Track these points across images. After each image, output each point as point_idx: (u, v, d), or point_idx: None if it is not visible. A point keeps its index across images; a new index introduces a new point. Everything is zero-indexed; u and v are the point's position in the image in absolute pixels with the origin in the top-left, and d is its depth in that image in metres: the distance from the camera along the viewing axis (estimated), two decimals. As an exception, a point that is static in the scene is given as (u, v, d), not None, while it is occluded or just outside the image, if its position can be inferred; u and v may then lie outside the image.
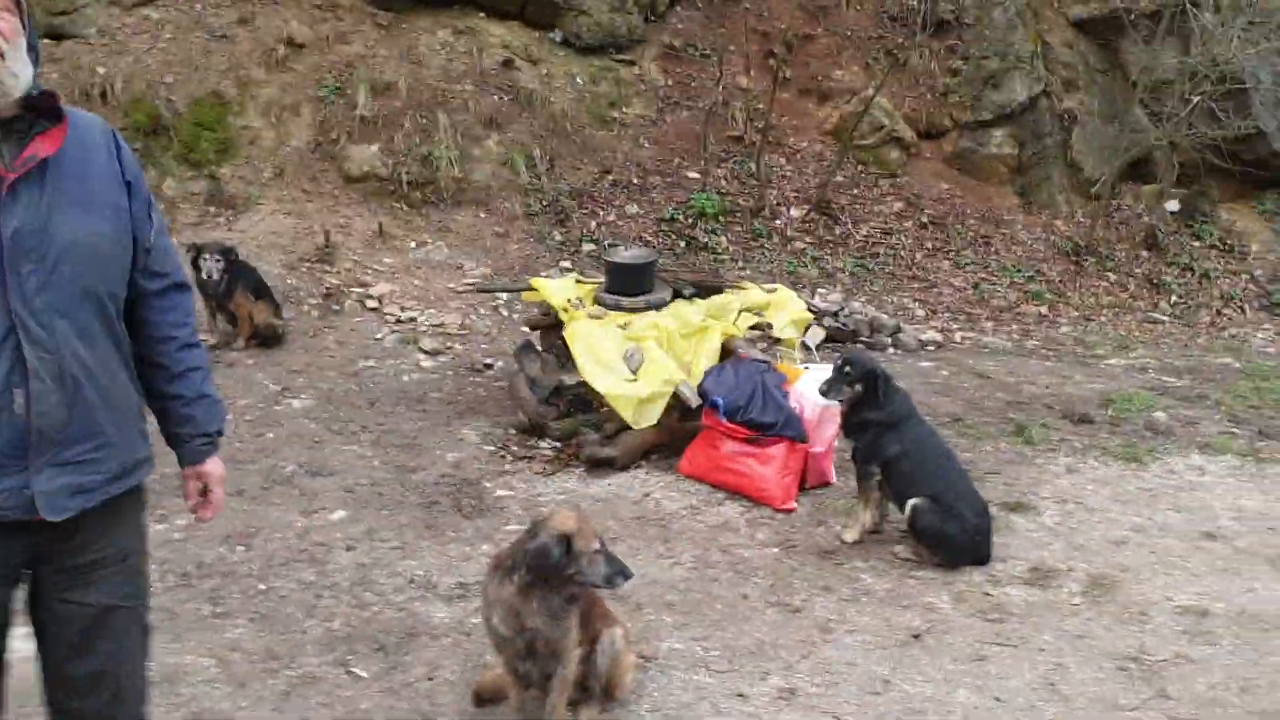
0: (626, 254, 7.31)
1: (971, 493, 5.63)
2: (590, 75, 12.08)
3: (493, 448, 7.09)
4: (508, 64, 11.72)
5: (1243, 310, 11.31)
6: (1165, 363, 9.40)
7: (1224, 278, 11.73)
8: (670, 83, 12.46)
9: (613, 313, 7.07)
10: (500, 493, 6.49)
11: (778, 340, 7.50)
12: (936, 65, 12.46)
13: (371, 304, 9.41)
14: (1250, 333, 10.82)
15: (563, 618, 3.96)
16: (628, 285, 7.19)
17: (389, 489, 6.49)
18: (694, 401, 6.48)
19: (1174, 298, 11.35)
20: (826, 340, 8.91)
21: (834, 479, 6.60)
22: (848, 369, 5.77)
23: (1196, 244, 12.10)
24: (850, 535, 5.85)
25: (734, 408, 6.32)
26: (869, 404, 5.72)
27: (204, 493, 3.16)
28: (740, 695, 4.48)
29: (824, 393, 5.85)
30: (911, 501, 5.56)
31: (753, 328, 7.27)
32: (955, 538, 5.50)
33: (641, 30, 12.46)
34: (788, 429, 6.23)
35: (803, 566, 5.59)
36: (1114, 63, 13.05)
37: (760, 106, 12.09)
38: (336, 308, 9.36)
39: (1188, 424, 7.77)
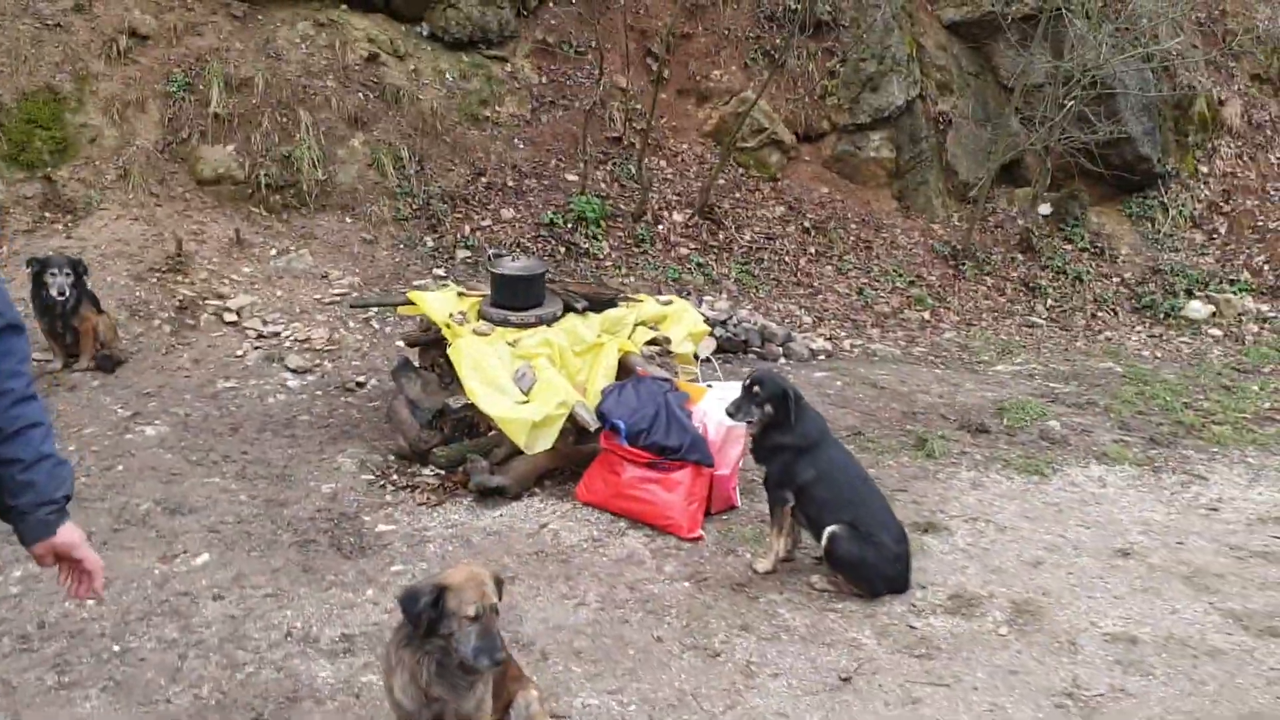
0: (514, 265, 6.84)
1: (890, 518, 5.36)
2: (460, 71, 11.53)
3: (371, 476, 6.54)
4: (373, 59, 11.08)
5: (1115, 313, 11.47)
6: (1050, 368, 9.40)
7: (1096, 281, 11.89)
8: (544, 80, 12.00)
9: (500, 328, 6.61)
10: (382, 527, 5.96)
11: (668, 353, 7.14)
12: (814, 67, 12.32)
13: (230, 318, 8.70)
14: (1125, 336, 10.97)
15: (468, 687, 3.51)
16: (516, 298, 6.73)
17: (258, 527, 5.89)
18: (593, 425, 6.07)
19: (1049, 301, 11.45)
20: (717, 351, 8.60)
21: (739, 502, 6.28)
22: (757, 389, 5.44)
23: (1068, 247, 12.25)
24: (763, 565, 5.52)
25: (636, 431, 5.93)
26: (780, 427, 5.40)
27: (66, 562, 2.72)
28: (663, 758, 4.11)
29: (731, 415, 5.51)
30: (828, 529, 5.26)
31: (649, 343, 6.90)
32: (875, 566, 5.23)
33: (513, 25, 11.97)
34: (693, 452, 5.88)
35: (717, 602, 5.24)
36: (986, 66, 13.13)
37: (639, 107, 11.74)
38: (191, 322, 8.62)
39: (1081, 432, 7.72)
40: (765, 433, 5.46)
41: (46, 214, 9.31)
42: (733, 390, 5.81)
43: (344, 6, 11.25)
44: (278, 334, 8.52)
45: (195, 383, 7.76)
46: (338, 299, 9.07)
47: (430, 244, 10.17)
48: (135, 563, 5.44)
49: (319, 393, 7.76)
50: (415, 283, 9.47)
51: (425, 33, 11.62)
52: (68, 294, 7.54)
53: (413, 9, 11.50)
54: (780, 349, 8.95)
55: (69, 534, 2.69)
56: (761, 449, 5.49)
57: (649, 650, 4.82)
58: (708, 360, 7.68)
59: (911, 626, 5.07)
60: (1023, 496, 6.56)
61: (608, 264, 10.45)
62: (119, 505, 6.04)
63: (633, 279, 10.30)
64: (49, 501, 2.62)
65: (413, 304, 6.98)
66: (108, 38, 10.17)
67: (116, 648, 4.75)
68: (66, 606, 5.05)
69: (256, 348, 8.31)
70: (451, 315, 6.68)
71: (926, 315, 10.65)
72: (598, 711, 4.37)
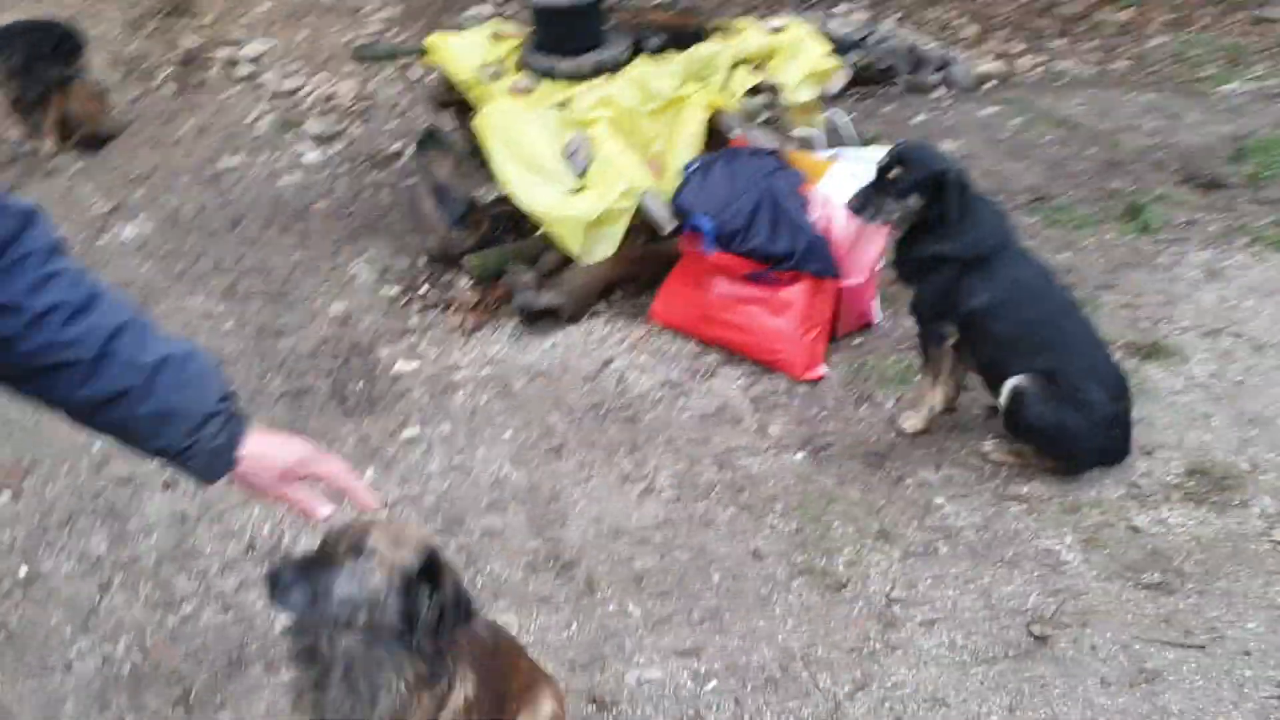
0: (562, -11, 4.95)
1: (1104, 361, 3.61)
2: None
3: (394, 289, 5.04)
4: None
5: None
6: (1301, 82, 7.07)
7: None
8: None
9: (545, 82, 4.84)
10: (401, 366, 4.52)
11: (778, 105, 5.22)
12: None
13: (244, 70, 7.07)
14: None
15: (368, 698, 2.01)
16: (565, 38, 4.90)
17: (243, 369, 4.53)
18: (667, 225, 4.35)
19: (1289, -16, 8.80)
20: (851, 85, 6.58)
21: (877, 318, 4.56)
22: (897, 171, 3.61)
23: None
24: (912, 423, 3.89)
25: (729, 231, 4.20)
26: (935, 229, 3.60)
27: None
28: (757, 784, 2.67)
29: (857, 211, 3.72)
30: (1011, 382, 3.55)
31: (752, 92, 5.01)
32: (1079, 435, 3.53)
33: None
34: (810, 260, 4.14)
35: (843, 488, 3.66)
36: None
37: None
38: (198, 79, 7.04)
39: (1357, 181, 5.60)
40: (912, 238, 3.68)
41: (28, -51, 7.67)
42: (870, 161, 3.99)
43: None
44: (298, 90, 6.85)
45: (194, 161, 6.25)
46: (371, 39, 7.30)
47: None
48: (73, 437, 4.14)
49: (342, 168, 6.16)
50: (471, 11, 7.60)
51: None
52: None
53: None
54: (936, 77, 6.86)
55: (264, 446, 1.73)
56: (907, 261, 3.73)
57: (741, 574, 3.33)
58: (832, 101, 5.75)
59: (1134, 528, 3.41)
60: (1283, 290, 4.65)
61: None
62: (74, 344, 4.71)
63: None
64: (204, 420, 1.66)
65: (432, 53, 5.21)
66: None
67: (24, 570, 3.55)
68: (-19, 503, 3.84)
69: (271, 110, 6.70)
70: (481, 68, 4.93)
71: (1127, 16, 8.23)
72: (658, 693, 2.94)
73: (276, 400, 4.35)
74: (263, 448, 1.75)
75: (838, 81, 6.08)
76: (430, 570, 1.94)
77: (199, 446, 1.69)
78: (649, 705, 2.90)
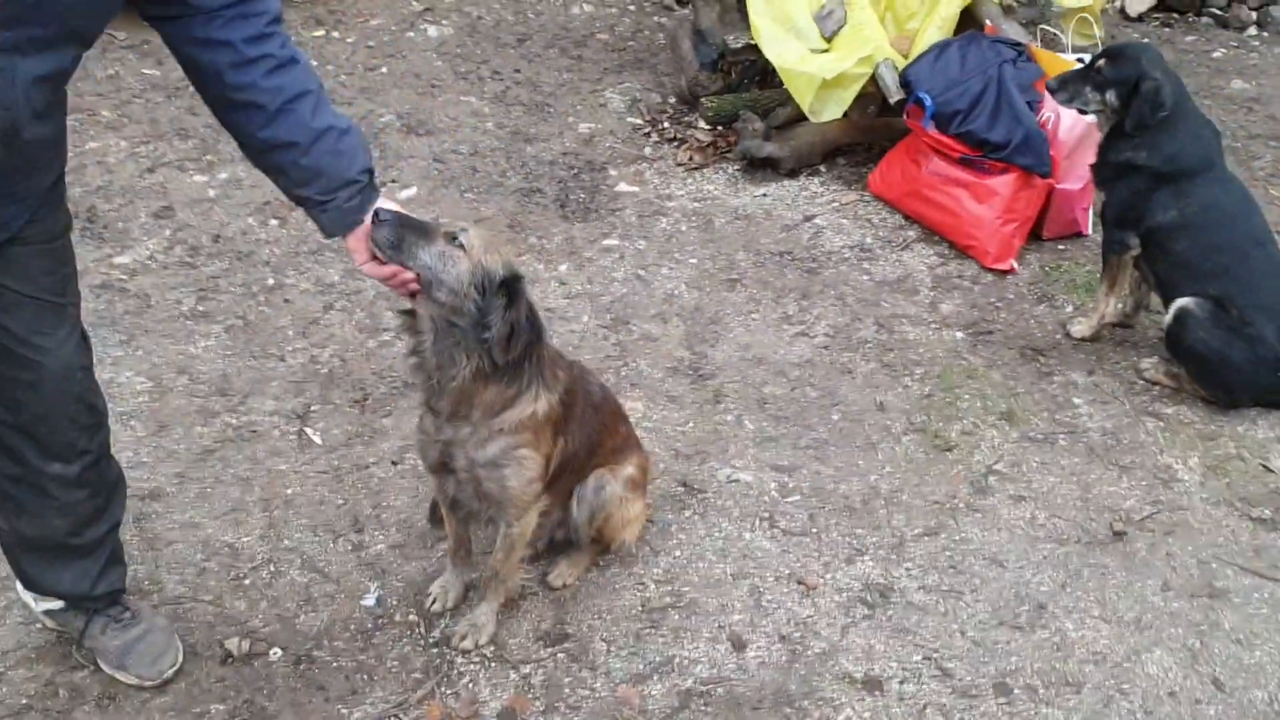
0: None
1: (1282, 299, 3.51)
2: None
3: (638, 120, 5.41)
4: None
5: None
6: None
7: None
8: None
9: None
10: (623, 188, 4.89)
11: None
12: None
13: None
14: None
15: (495, 428, 2.41)
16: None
17: (488, 164, 5.03)
18: (894, 94, 4.45)
19: None
20: (1155, 9, 6.28)
21: (1089, 230, 4.52)
22: (1101, 65, 3.61)
23: None
24: (1080, 328, 3.91)
25: (949, 111, 4.27)
26: (1132, 136, 3.56)
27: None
28: (801, 585, 2.93)
29: (1054, 90, 3.75)
30: (1179, 302, 3.53)
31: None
32: (1240, 368, 3.47)
33: None
34: (1024, 154, 4.15)
35: (988, 370, 3.77)
36: None
37: None
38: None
39: None
40: (1111, 141, 3.66)
41: None
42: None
43: None
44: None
45: (506, -22, 6.79)
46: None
47: None
48: (339, 184, 4.77)
49: (631, 7, 6.54)
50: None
51: None
52: None
53: None
54: (1252, 14, 6.40)
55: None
56: (1104, 166, 3.71)
57: (859, 420, 3.53)
58: (1132, 22, 5.55)
59: (1267, 467, 3.36)
60: None
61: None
62: (361, 114, 5.37)
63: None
64: (345, 184, 2.14)
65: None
66: None
67: (271, 281, 4.20)
68: (248, 223, 4.55)
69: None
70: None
71: None
72: (748, 492, 3.23)
73: (510, 194, 4.83)
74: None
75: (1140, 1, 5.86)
76: (509, 287, 2.27)
77: (335, 204, 2.15)
78: (730, 499, 3.20)
